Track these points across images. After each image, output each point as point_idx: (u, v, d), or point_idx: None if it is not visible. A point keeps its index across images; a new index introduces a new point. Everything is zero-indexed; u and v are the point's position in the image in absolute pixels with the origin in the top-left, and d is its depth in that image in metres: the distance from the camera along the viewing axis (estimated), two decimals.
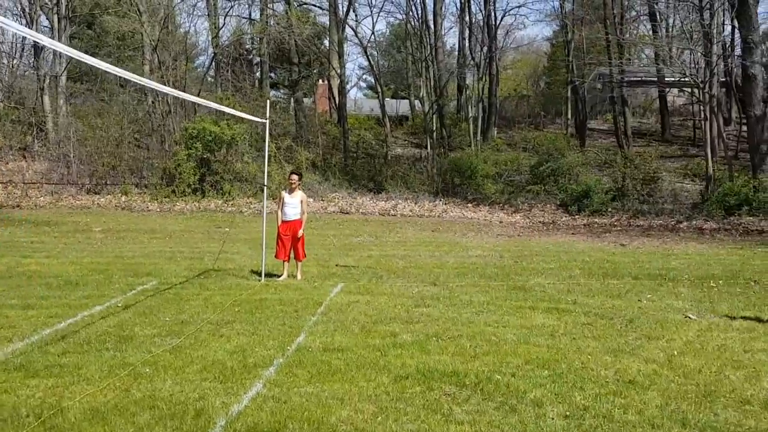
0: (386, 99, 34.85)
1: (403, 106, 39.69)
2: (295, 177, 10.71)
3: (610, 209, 23.84)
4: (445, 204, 25.57)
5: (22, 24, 32.53)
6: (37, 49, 31.50)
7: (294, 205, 10.53)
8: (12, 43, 35.38)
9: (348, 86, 37.31)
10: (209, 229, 18.75)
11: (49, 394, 4.84)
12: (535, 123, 37.65)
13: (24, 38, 33.38)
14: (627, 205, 24.02)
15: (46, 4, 32.21)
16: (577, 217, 23.53)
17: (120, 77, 31.86)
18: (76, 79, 33.24)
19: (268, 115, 10.76)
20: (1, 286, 9.44)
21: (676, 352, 6.38)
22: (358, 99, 46.63)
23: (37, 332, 6.75)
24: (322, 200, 24.86)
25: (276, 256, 10.67)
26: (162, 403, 4.74)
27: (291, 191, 10.59)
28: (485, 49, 32.48)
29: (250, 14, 37.10)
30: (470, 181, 26.78)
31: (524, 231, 20.57)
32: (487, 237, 18.50)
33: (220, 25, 33.53)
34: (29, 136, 27.70)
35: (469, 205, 25.69)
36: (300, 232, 10.52)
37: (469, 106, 33.20)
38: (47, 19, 32.46)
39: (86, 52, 27.05)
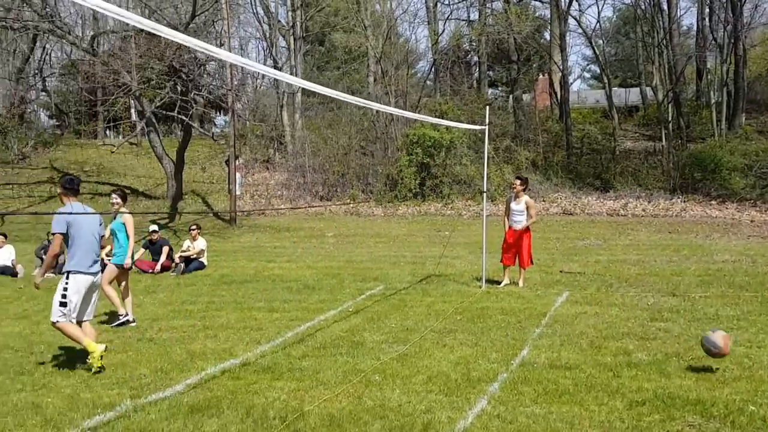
0: (613, 89, 32.75)
1: (632, 96, 36.99)
2: (518, 182, 10.33)
3: None
4: (684, 202, 23.31)
5: (263, 46, 36.41)
6: (277, 69, 34.99)
7: (520, 211, 10.23)
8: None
9: (570, 79, 35.79)
10: (430, 233, 19.17)
11: (292, 397, 5.19)
12: None
13: (265, 60, 37.30)
14: None
15: (284, 26, 35.62)
16: None
17: (350, 88, 34.23)
18: (309, 93, 36.21)
19: (487, 120, 10.64)
20: (250, 289, 10.54)
21: None
22: (582, 91, 44.56)
23: (281, 335, 7.34)
24: (543, 201, 24.12)
25: (501, 261, 10.52)
26: (391, 413, 4.82)
27: (516, 197, 10.32)
28: (729, 27, 28.98)
29: (468, 16, 37.48)
30: (714, 176, 24.06)
31: None
32: (736, 239, 16.46)
33: (439, 31, 34.24)
34: (271, 149, 30.78)
35: (713, 202, 23.13)
36: (527, 239, 10.23)
37: (711, 92, 29.87)
38: (284, 39, 35.86)
39: (317, 68, 29.39)
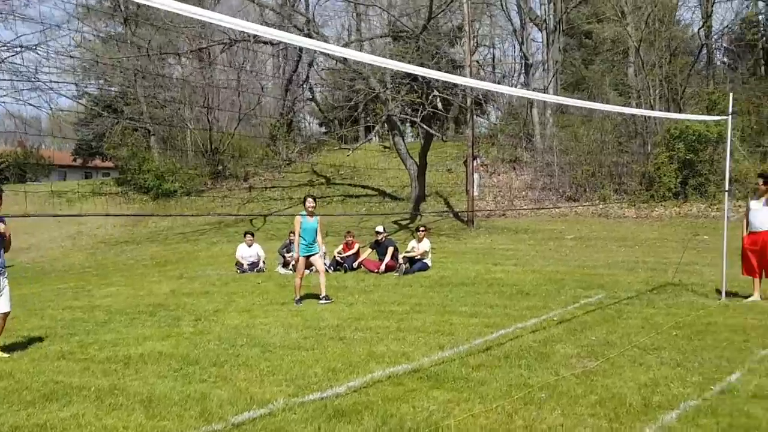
0: None
1: None
2: (761, 181, 8.91)
3: None
4: None
5: (517, 42, 36.06)
6: (527, 66, 34.49)
7: (762, 211, 8.71)
8: (512, 65, 39.95)
9: None
10: (686, 237, 17.14)
11: (441, 408, 4.92)
12: None
13: (520, 58, 37.00)
14: None
15: (538, 17, 34.76)
16: None
17: (612, 81, 32.04)
18: (566, 88, 34.73)
19: (730, 110, 9.19)
20: (462, 293, 10.41)
21: None
22: None
23: (468, 341, 7.07)
24: None
25: (743, 273, 9.03)
26: None
27: (758, 196, 8.82)
28: None
29: None
30: None
31: None
32: None
33: (713, 12, 30.56)
34: (519, 148, 30.23)
35: None
36: None
37: None
38: (540, 31, 34.93)
39: (583, 61, 27.89)
